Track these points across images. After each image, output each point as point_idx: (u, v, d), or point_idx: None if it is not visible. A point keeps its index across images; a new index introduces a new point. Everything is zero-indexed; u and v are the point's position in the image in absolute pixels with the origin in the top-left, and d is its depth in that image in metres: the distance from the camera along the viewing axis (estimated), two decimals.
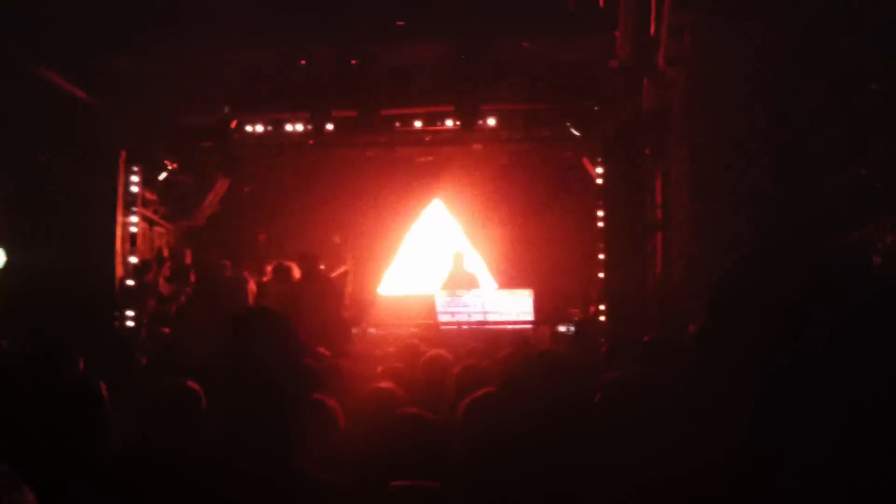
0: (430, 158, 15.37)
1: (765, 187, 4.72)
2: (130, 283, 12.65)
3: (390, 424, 3.59)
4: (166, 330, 12.02)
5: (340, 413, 4.28)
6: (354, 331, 11.98)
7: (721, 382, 2.65)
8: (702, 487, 2.38)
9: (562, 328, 12.19)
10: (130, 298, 12.56)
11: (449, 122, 12.95)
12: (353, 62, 11.35)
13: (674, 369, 3.81)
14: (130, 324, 12.38)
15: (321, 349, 8.20)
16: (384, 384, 4.69)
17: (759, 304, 2.72)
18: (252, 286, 12.96)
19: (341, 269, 14.00)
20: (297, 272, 12.22)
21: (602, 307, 12.51)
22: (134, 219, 12.91)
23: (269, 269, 13.13)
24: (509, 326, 12.51)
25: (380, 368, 6.39)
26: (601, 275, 12.61)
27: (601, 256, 12.73)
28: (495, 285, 15.23)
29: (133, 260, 12.90)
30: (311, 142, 13.61)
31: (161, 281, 13.31)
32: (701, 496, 2.38)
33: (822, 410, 2.07)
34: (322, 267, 12.49)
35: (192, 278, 13.92)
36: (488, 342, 10.21)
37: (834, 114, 3.47)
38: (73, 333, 6.89)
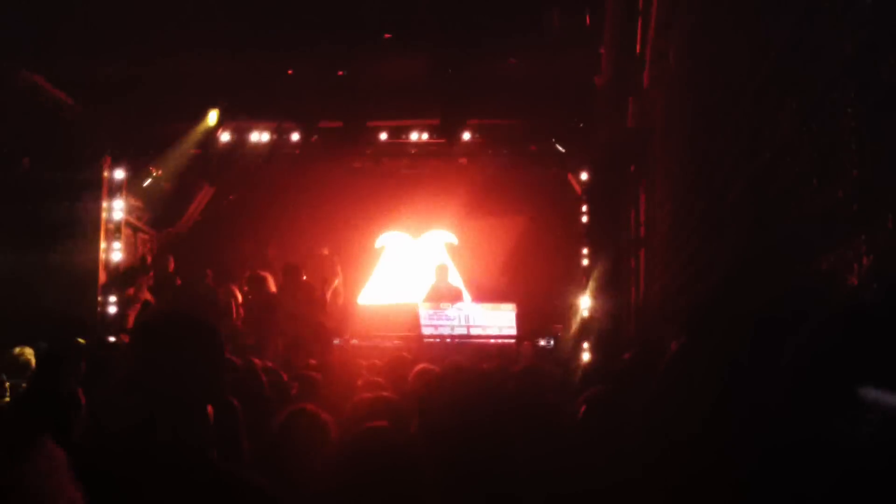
0: (416, 171, 15.40)
1: (740, 209, 4.76)
2: (113, 289, 12.62)
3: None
4: None
5: (332, 424, 4.29)
6: (336, 341, 11.96)
7: (694, 400, 2.68)
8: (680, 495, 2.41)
9: (542, 342, 12.20)
10: (113, 304, 12.54)
11: (434, 136, 12.99)
12: (339, 73, 11.38)
13: (651, 386, 3.83)
14: (112, 339, 12.35)
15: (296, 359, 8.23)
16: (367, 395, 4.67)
17: (733, 325, 2.76)
18: (235, 296, 12.97)
19: (335, 282, 14.04)
20: (271, 282, 12.24)
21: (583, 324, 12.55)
22: (118, 224, 12.89)
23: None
24: (492, 340, 12.53)
25: (360, 381, 6.40)
26: (584, 292, 12.66)
27: (585, 273, 12.78)
28: (476, 300, 15.26)
29: (115, 261, 12.87)
30: (297, 152, 13.61)
31: (145, 290, 13.28)
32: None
33: (784, 424, 2.11)
34: (304, 278, 12.51)
35: (177, 285, 13.94)
36: (471, 356, 10.23)
37: (809, 137, 3.50)
38: (55, 341, 6.91)
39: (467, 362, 7.93)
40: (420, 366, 6.26)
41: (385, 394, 4.72)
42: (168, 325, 2.61)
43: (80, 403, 3.79)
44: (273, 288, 13.05)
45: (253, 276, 12.31)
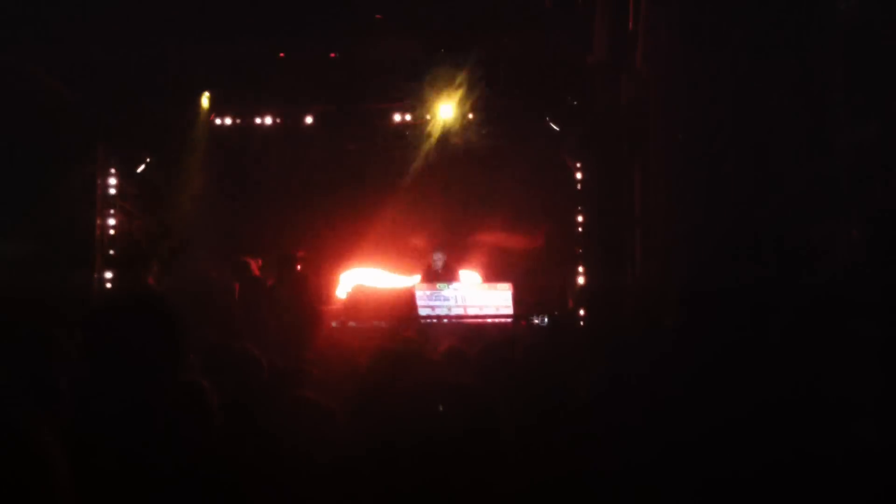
0: (408, 153, 15.36)
1: (734, 184, 4.77)
2: (109, 275, 12.62)
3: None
4: None
5: (336, 411, 4.28)
6: (334, 324, 11.97)
7: (692, 375, 2.69)
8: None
9: (536, 320, 12.20)
10: (109, 291, 12.53)
11: (428, 117, 12.97)
12: (332, 55, 11.35)
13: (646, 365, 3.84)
14: None
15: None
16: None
17: (725, 300, 2.77)
18: (231, 279, 12.98)
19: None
20: (254, 267, 12.27)
21: (581, 301, 12.57)
22: (112, 210, 12.87)
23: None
24: (489, 321, 12.53)
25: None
26: (580, 269, 12.68)
27: (579, 251, 12.80)
28: (476, 279, 15.24)
29: (112, 253, 12.86)
30: (291, 135, 13.58)
31: (142, 274, 13.27)
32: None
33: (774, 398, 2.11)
34: (299, 266, 12.51)
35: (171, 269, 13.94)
36: (468, 336, 10.24)
37: (800, 111, 3.51)
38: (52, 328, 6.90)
39: (463, 342, 7.95)
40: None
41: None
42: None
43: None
44: (257, 272, 13.17)
45: (237, 262, 12.33)
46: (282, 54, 11.66)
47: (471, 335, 10.52)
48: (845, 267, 2.97)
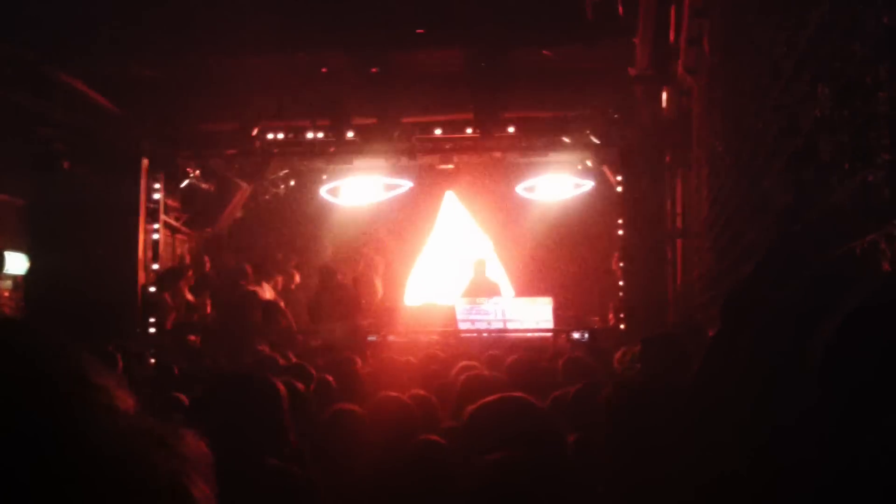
0: (451, 166, 15.39)
1: (776, 195, 4.72)
2: (153, 290, 12.72)
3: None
4: (193, 338, 12.08)
5: (366, 423, 4.30)
6: (372, 338, 11.99)
7: (731, 389, 2.66)
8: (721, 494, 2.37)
9: (576, 335, 12.13)
10: (153, 306, 12.63)
11: (469, 130, 12.97)
12: (373, 70, 11.39)
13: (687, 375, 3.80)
14: (152, 330, 12.44)
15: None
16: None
17: (768, 312, 2.73)
18: (264, 293, 13.07)
19: (376, 281, 14.23)
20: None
21: (621, 315, 12.50)
22: (156, 226, 12.99)
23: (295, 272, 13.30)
24: (529, 334, 12.49)
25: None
26: (620, 282, 12.60)
27: (621, 265, 12.73)
28: (510, 293, 15.22)
29: (156, 267, 12.98)
30: (332, 149, 13.64)
31: (185, 289, 13.40)
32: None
33: (817, 413, 2.08)
34: (339, 277, 12.58)
35: (215, 285, 14.09)
36: (508, 350, 10.21)
37: (842, 121, 3.46)
38: (96, 340, 7.00)
39: (503, 355, 7.93)
40: (462, 363, 6.25)
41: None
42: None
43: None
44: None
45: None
46: (324, 69, 11.73)
47: (511, 349, 10.49)
48: (887, 279, 2.91)
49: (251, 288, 13.09)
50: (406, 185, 15.61)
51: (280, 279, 14.46)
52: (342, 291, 12.39)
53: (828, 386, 2.00)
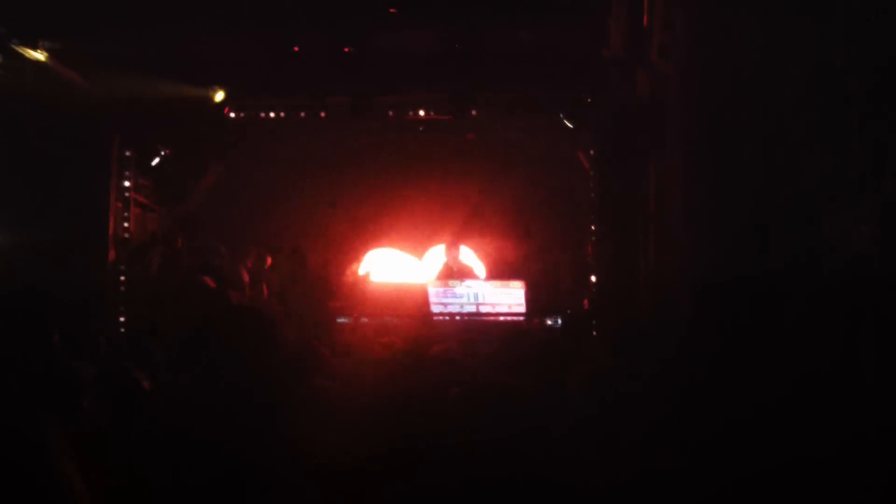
0: (424, 148, 15.34)
1: (748, 178, 4.72)
2: (122, 267, 12.64)
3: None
4: None
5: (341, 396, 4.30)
6: (343, 320, 11.97)
7: (708, 370, 2.64)
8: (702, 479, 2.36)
9: (549, 321, 12.15)
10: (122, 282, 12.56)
11: (442, 111, 12.90)
12: (346, 49, 11.32)
13: (659, 360, 3.80)
14: (122, 318, 12.37)
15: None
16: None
17: (740, 294, 2.72)
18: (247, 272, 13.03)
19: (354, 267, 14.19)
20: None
21: (594, 299, 12.52)
22: (127, 202, 12.89)
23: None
24: (501, 318, 12.50)
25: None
26: (593, 268, 12.63)
27: (593, 249, 12.74)
28: (482, 276, 15.21)
29: (126, 243, 12.88)
30: (305, 128, 13.56)
31: (155, 266, 13.32)
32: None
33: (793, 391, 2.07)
34: (307, 260, 12.52)
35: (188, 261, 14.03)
36: (480, 334, 10.21)
37: (814, 103, 3.45)
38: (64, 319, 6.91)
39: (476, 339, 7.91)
40: (438, 347, 6.22)
41: None
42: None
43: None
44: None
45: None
46: (296, 48, 11.63)
47: (482, 333, 10.49)
48: (858, 261, 2.92)
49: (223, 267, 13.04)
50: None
51: (250, 262, 14.40)
52: (312, 274, 12.32)
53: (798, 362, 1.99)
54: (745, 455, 2.19)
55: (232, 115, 13.04)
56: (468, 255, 15.47)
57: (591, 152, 12.89)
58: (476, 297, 12.78)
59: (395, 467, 2.50)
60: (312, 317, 11.08)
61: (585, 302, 13.59)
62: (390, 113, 13.10)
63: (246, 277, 13.73)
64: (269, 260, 14.95)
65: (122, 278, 12.67)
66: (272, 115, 13.18)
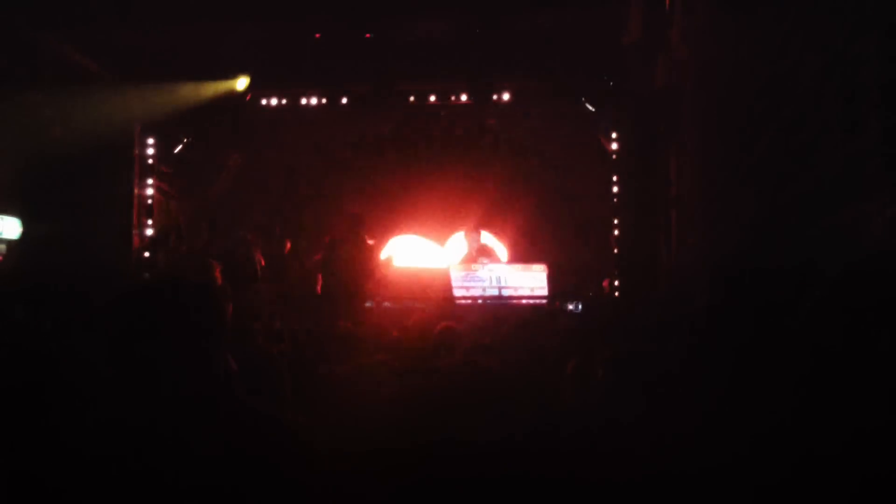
0: (446, 134, 15.34)
1: (766, 166, 4.73)
2: (147, 254, 12.74)
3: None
4: None
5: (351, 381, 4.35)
6: (368, 304, 12.01)
7: (723, 358, 2.67)
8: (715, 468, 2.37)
9: (570, 306, 12.17)
10: (148, 269, 12.65)
11: (463, 98, 12.92)
12: (367, 36, 11.34)
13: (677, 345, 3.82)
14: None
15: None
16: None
17: (758, 281, 2.75)
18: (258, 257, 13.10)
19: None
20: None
21: (616, 283, 12.53)
22: (150, 191, 12.98)
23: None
24: (524, 301, 12.52)
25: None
26: (614, 251, 12.64)
27: (615, 233, 12.76)
28: (504, 259, 15.23)
29: (149, 233, 12.98)
30: (326, 116, 13.60)
31: (179, 257, 13.40)
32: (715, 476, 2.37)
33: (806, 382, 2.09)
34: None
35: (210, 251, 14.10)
36: (502, 317, 10.22)
37: (831, 91, 3.47)
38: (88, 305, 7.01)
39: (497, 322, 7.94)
40: (443, 324, 6.28)
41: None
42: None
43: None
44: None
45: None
46: (318, 35, 11.66)
47: (504, 316, 10.52)
48: (880, 249, 2.93)
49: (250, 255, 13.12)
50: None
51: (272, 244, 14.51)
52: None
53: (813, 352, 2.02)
54: (766, 445, 2.21)
55: (254, 103, 13.10)
56: (490, 239, 15.48)
57: (613, 136, 12.88)
58: (498, 280, 12.80)
59: (409, 460, 2.51)
60: (343, 301, 11.09)
61: (606, 285, 13.60)
62: (411, 99, 13.11)
63: (262, 262, 13.84)
64: (289, 244, 15.02)
65: (146, 265, 12.76)
66: (294, 102, 13.23)
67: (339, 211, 14.93)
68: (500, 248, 15.53)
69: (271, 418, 2.47)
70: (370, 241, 12.69)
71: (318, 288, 11.84)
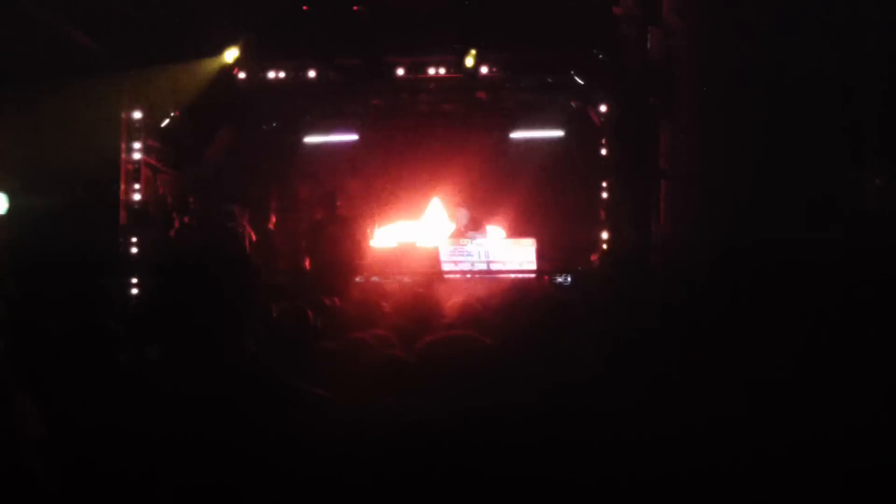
0: (435, 107, 15.27)
1: (761, 135, 4.70)
2: (134, 228, 12.64)
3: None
4: None
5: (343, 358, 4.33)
6: (358, 279, 11.98)
7: (719, 333, 2.65)
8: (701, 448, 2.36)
9: (559, 279, 12.16)
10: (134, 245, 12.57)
11: (453, 70, 12.80)
12: (355, 8, 11.25)
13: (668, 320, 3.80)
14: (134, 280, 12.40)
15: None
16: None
17: (751, 253, 2.73)
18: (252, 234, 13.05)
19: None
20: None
21: (605, 257, 12.52)
22: (138, 166, 12.87)
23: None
24: (512, 276, 12.51)
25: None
26: (604, 224, 12.63)
27: (604, 206, 12.74)
28: (500, 234, 15.21)
29: (136, 205, 12.87)
30: (315, 89, 13.48)
31: (168, 230, 13.32)
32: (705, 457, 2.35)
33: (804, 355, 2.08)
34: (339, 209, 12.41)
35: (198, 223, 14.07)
36: (491, 291, 10.20)
37: (829, 59, 3.44)
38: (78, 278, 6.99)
39: (486, 296, 7.92)
40: (435, 297, 6.25)
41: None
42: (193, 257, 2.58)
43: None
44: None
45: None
46: (305, 7, 11.56)
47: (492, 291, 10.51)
48: (869, 215, 2.92)
49: (240, 229, 13.08)
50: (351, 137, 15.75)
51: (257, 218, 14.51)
52: (343, 223, 12.19)
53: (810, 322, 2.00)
54: (755, 416, 2.20)
55: (242, 75, 12.98)
56: (478, 214, 15.45)
57: (603, 109, 12.82)
58: (487, 254, 12.79)
59: (402, 432, 2.48)
60: (331, 276, 11.05)
61: (594, 258, 13.60)
62: (401, 72, 13.02)
63: (253, 236, 13.80)
64: (274, 219, 14.99)
65: (134, 240, 12.66)
66: (282, 75, 13.11)
67: (322, 187, 14.85)
68: (488, 222, 15.52)
69: (298, 390, 2.47)
70: (350, 217, 12.67)
71: (307, 265, 11.79)
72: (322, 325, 6.11)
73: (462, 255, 12.77)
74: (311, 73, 12.91)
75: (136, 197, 12.94)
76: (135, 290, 11.92)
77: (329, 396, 2.52)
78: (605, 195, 12.78)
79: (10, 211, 11.93)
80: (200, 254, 2.61)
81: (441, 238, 13.49)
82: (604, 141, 12.77)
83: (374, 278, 12.73)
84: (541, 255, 12.75)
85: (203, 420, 2.23)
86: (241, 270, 2.54)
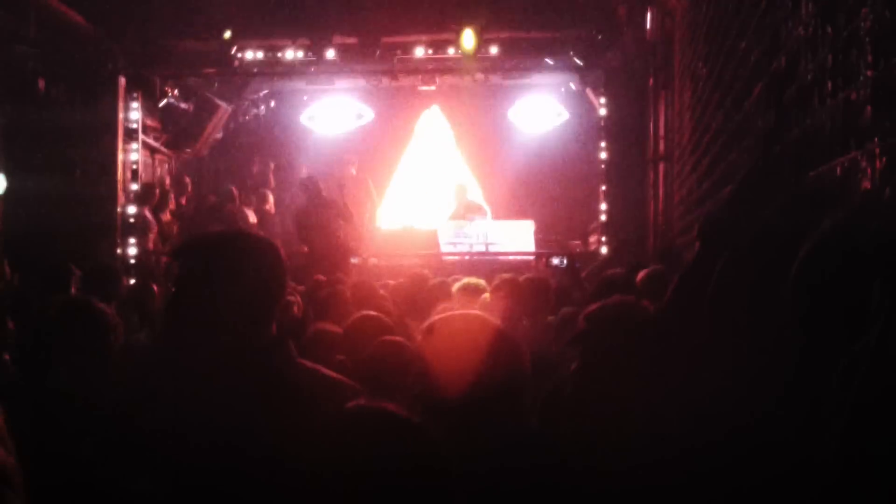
0: (433, 88, 15.23)
1: (756, 117, 4.69)
2: (132, 209, 12.61)
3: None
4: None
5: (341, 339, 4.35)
6: (355, 260, 11.98)
7: (706, 315, 2.64)
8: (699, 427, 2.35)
9: (555, 261, 12.16)
10: (133, 226, 12.53)
11: (451, 51, 12.75)
12: None
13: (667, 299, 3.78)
14: (133, 251, 12.38)
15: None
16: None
17: (745, 236, 2.71)
18: (249, 216, 13.03)
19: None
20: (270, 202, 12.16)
21: (603, 238, 12.52)
22: (135, 146, 12.82)
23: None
24: (511, 257, 12.53)
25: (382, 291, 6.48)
26: (603, 206, 12.61)
27: (603, 187, 12.72)
28: (490, 215, 15.22)
29: (135, 187, 12.83)
30: (312, 69, 13.44)
31: (166, 211, 13.29)
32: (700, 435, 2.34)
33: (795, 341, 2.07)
34: (324, 193, 12.40)
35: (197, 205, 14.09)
36: (489, 273, 10.22)
37: (824, 39, 3.41)
38: (74, 260, 6.97)
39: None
40: (435, 278, 6.25)
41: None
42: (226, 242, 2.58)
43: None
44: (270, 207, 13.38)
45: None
46: None
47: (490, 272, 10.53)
48: (866, 200, 2.91)
49: (237, 210, 13.06)
50: (368, 115, 15.68)
51: (254, 200, 14.48)
52: (329, 206, 12.17)
53: (801, 306, 1.99)
54: (750, 401, 2.19)
55: (238, 55, 12.92)
56: (477, 195, 15.45)
57: (601, 90, 12.80)
58: (486, 235, 12.81)
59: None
60: (330, 257, 11.04)
61: (591, 241, 13.62)
62: (398, 52, 12.97)
63: (253, 218, 13.78)
64: (271, 199, 14.95)
65: (132, 221, 12.63)
66: (279, 55, 13.05)
67: (318, 169, 14.80)
68: (486, 203, 15.52)
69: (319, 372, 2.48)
70: (346, 199, 12.67)
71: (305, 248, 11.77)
72: (320, 309, 6.11)
73: (461, 237, 12.79)
74: (309, 53, 12.84)
75: (134, 177, 12.89)
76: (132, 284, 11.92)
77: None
78: (603, 176, 12.76)
79: (7, 192, 11.90)
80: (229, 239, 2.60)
81: (441, 219, 13.50)
82: (602, 122, 12.74)
83: (373, 260, 12.75)
84: (540, 236, 12.78)
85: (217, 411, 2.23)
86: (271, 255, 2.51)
